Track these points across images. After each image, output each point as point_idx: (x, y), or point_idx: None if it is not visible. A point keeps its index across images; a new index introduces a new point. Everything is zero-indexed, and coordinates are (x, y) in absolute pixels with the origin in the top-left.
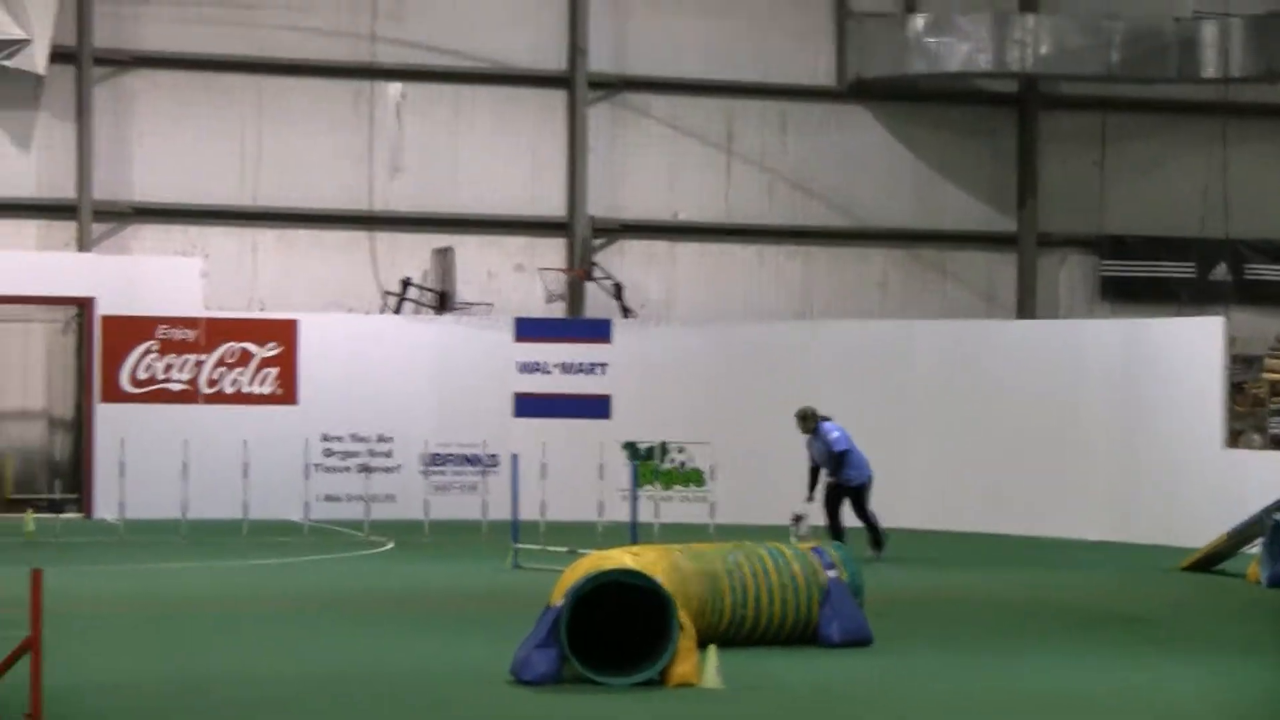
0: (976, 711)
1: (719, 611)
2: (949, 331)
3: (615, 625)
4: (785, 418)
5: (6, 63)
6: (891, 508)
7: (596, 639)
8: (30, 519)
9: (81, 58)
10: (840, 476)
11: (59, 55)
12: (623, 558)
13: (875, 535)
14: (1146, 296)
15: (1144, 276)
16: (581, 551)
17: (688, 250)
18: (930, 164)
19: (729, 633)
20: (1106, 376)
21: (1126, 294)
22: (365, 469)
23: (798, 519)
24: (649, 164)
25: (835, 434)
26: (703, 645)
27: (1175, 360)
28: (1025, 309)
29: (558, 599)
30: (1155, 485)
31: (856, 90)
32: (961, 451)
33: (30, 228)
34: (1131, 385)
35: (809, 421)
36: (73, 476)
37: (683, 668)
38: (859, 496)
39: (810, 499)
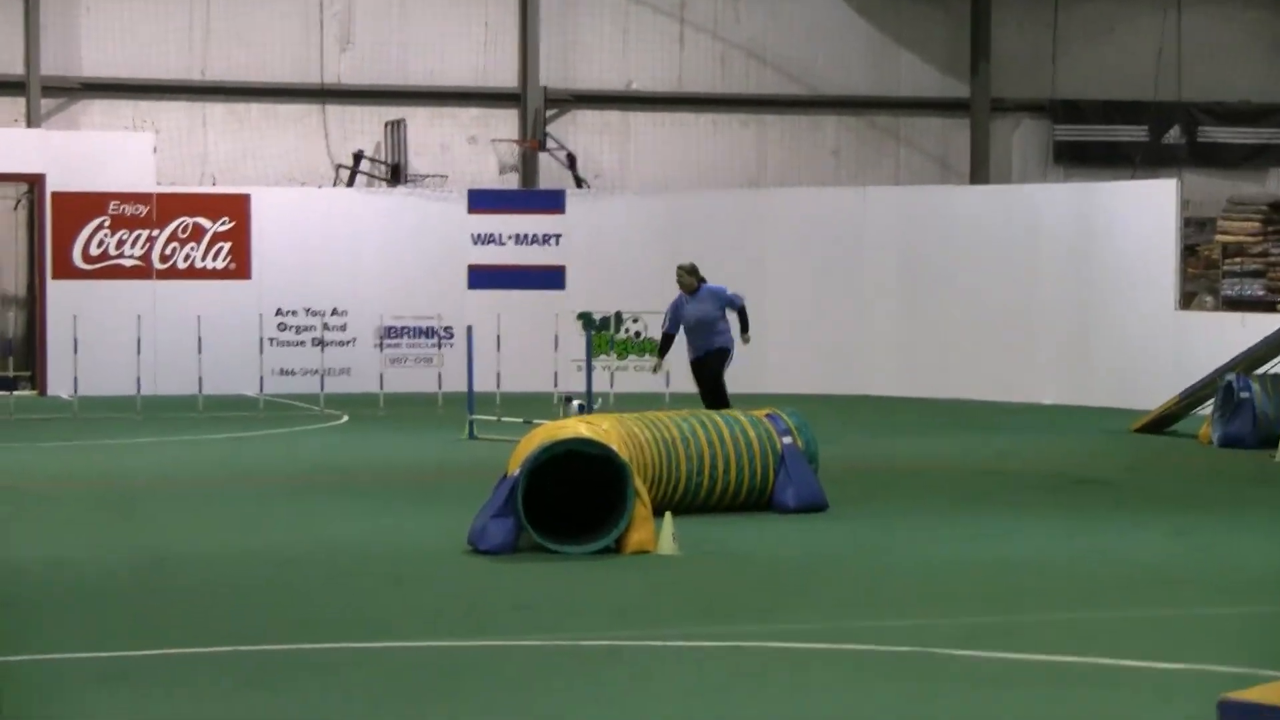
0: (931, 576)
1: (674, 479)
2: (903, 198)
3: (571, 495)
4: (734, 285)
5: None
6: (848, 375)
7: (552, 508)
8: None
9: None
10: (718, 341)
11: None
12: (578, 427)
13: (725, 403)
14: (1100, 160)
15: (1097, 140)
16: (536, 422)
17: (641, 120)
18: (884, 30)
19: (685, 500)
20: (1060, 241)
21: (1080, 158)
22: (319, 343)
23: (568, 400)
24: (602, 34)
25: (728, 289)
26: (658, 513)
27: (1129, 224)
28: (979, 174)
29: (513, 469)
30: (1110, 348)
31: None
32: (917, 318)
33: None
34: (1085, 249)
35: (694, 278)
36: (25, 354)
37: (639, 535)
38: (723, 361)
39: (658, 368)
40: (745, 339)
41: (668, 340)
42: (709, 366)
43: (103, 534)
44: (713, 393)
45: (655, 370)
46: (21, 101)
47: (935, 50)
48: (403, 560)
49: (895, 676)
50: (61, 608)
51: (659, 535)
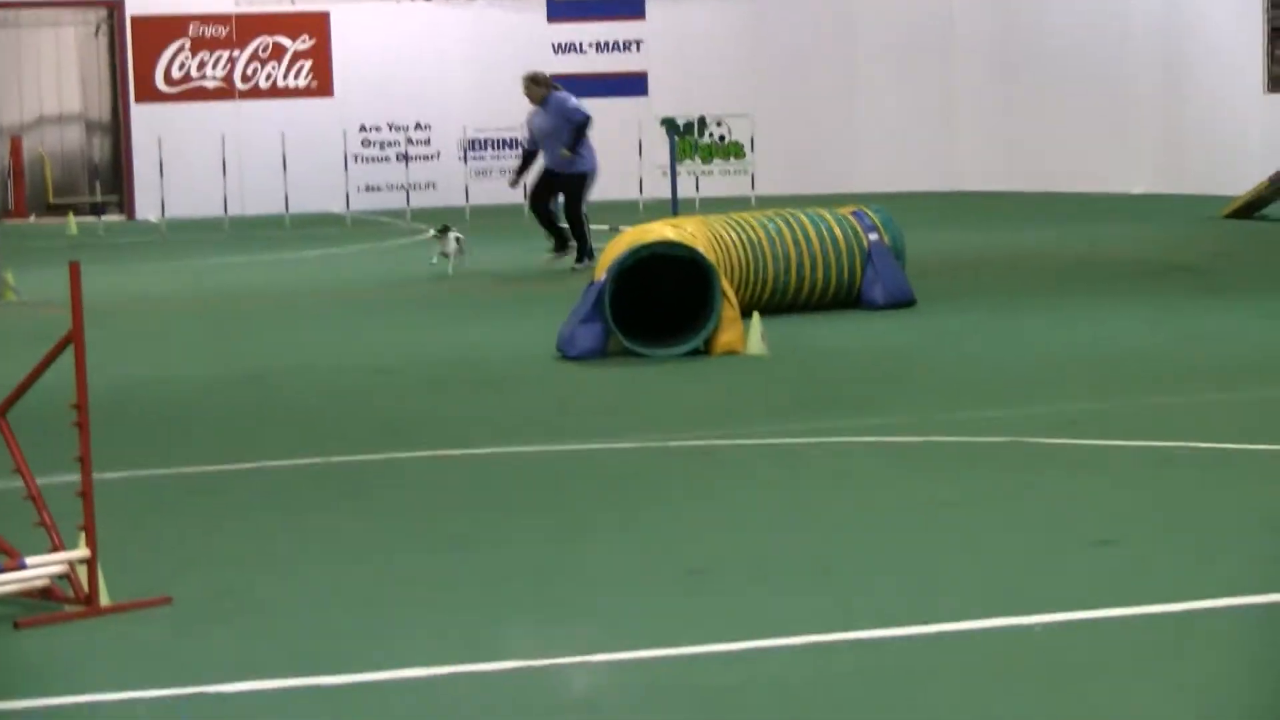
0: (1023, 367)
1: (762, 279)
2: None
3: (659, 298)
4: (823, 86)
5: None
6: (938, 169)
7: (640, 313)
8: (73, 222)
9: None
10: (566, 161)
11: None
12: (664, 230)
13: (582, 242)
14: None
15: None
16: (622, 228)
17: None
18: None
19: (772, 300)
20: (1148, 25)
21: None
22: (404, 158)
23: (443, 231)
24: None
25: (574, 102)
26: (746, 314)
27: (1216, 6)
28: None
29: (600, 274)
30: (1200, 134)
31: None
32: (1008, 111)
33: None
34: (1173, 32)
35: (540, 87)
36: (113, 178)
37: (727, 336)
38: (579, 189)
39: (515, 183)
40: (562, 153)
41: (526, 158)
42: (559, 189)
43: (198, 352)
44: (567, 218)
45: (511, 186)
46: None
47: None
48: (493, 368)
49: (991, 465)
50: (158, 425)
51: (747, 335)
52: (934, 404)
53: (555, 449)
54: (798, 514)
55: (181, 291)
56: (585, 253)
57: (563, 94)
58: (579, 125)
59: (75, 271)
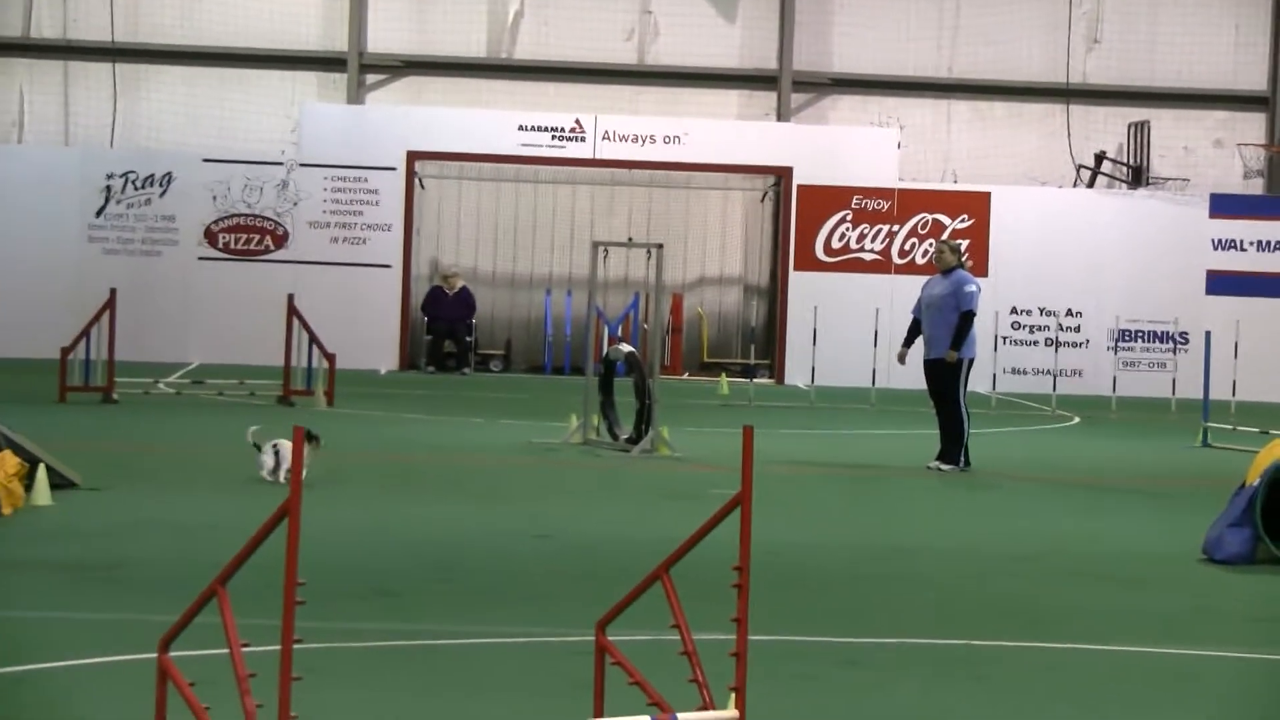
0: None
1: None
2: None
3: None
4: None
5: None
6: None
7: None
8: (725, 382)
9: None
10: (940, 344)
11: None
12: None
13: (957, 440)
14: None
15: None
16: (1276, 433)
17: None
18: None
19: None
20: None
21: None
22: (1053, 343)
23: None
24: None
25: (974, 287)
26: None
27: None
28: None
29: (1253, 479)
30: None
31: None
32: None
33: (733, 97)
34: None
35: (953, 256)
36: (766, 342)
37: None
38: (959, 375)
39: (903, 355)
40: (949, 355)
41: (915, 326)
42: (936, 377)
43: (839, 520)
44: (939, 400)
45: (900, 361)
46: (773, 96)
47: None
48: (1132, 563)
49: None
50: (803, 590)
51: None
52: None
53: (1193, 653)
54: None
55: (825, 459)
56: (961, 452)
57: (967, 274)
58: (965, 316)
59: (749, 435)
